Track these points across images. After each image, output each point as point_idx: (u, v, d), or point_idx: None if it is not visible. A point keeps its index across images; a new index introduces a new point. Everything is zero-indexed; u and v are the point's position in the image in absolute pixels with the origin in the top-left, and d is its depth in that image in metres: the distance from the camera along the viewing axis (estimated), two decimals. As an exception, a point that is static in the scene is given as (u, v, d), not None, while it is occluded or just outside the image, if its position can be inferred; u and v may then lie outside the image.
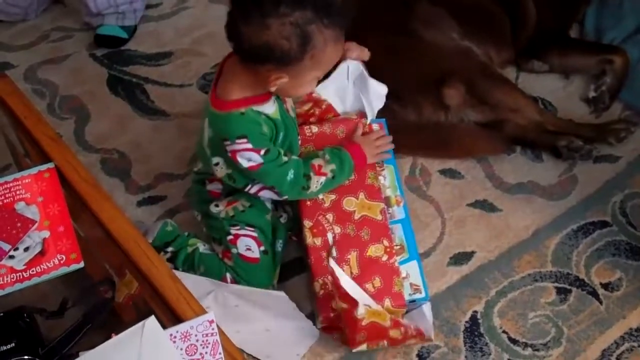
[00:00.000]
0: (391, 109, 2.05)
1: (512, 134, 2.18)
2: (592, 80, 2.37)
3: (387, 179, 1.86)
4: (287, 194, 1.74)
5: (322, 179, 1.74)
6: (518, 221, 2.03)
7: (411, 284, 1.72)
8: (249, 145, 1.62)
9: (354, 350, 1.70)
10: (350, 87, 1.92)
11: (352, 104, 1.96)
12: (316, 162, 1.74)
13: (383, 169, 1.86)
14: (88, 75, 2.48)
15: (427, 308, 1.76)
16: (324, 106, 1.95)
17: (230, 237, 1.81)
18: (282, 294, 1.75)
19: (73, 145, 2.22)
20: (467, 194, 2.09)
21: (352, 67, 1.88)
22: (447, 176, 2.13)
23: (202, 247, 1.86)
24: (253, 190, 1.76)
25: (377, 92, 1.92)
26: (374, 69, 1.91)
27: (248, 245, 1.80)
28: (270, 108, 1.67)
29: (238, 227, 1.81)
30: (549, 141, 2.16)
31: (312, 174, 1.72)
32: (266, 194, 1.77)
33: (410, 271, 1.74)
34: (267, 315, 1.77)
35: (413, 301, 1.72)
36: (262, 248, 1.80)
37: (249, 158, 1.64)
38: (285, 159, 1.69)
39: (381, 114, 1.95)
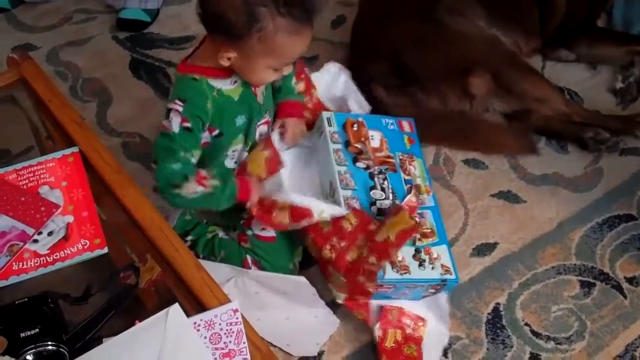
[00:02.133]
0: (416, 98, 2.04)
1: (538, 125, 2.17)
2: (620, 72, 2.35)
3: (417, 170, 1.85)
4: (157, 179, 1.62)
5: (200, 188, 1.61)
6: (542, 213, 2.01)
7: (442, 265, 1.71)
8: (181, 110, 1.61)
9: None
10: (338, 87, 1.98)
11: (339, 102, 1.98)
12: (203, 171, 1.64)
13: (414, 160, 1.86)
14: (110, 58, 2.47)
15: (443, 298, 1.77)
16: (314, 98, 1.96)
17: (243, 220, 1.80)
18: (302, 279, 1.74)
19: (95, 128, 2.22)
20: (491, 185, 2.07)
21: (335, 70, 1.93)
22: (470, 166, 2.11)
23: (221, 233, 1.85)
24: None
25: (359, 101, 1.96)
26: (400, 58, 1.90)
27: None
28: (225, 84, 1.66)
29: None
30: (575, 132, 2.14)
31: (192, 177, 1.61)
32: None
33: (441, 253, 1.73)
34: (288, 302, 1.76)
35: (444, 281, 1.71)
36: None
37: (171, 119, 1.62)
38: (188, 156, 1.62)
39: (406, 101, 1.93)
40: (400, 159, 1.86)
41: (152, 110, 2.29)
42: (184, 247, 1.37)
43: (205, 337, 1.24)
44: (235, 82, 1.68)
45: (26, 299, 1.23)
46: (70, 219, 1.43)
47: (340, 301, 1.74)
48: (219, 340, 1.23)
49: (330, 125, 1.85)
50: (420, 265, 1.70)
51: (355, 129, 1.86)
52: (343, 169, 1.79)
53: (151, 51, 2.49)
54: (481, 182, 2.07)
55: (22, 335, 1.19)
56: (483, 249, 1.93)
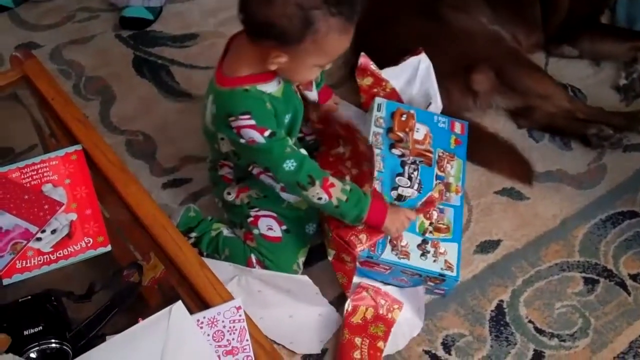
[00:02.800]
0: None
1: (541, 122, 2.16)
2: (623, 68, 2.34)
3: (453, 169, 1.87)
4: (282, 182, 1.68)
5: (325, 196, 1.63)
6: (546, 210, 2.01)
7: (446, 261, 1.73)
8: (253, 122, 1.59)
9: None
10: (417, 80, 1.98)
11: (417, 96, 2.01)
12: (331, 179, 1.65)
13: (453, 160, 1.89)
14: (114, 56, 2.47)
15: (421, 290, 1.78)
16: (387, 89, 1.98)
17: (250, 219, 1.80)
18: (305, 278, 1.74)
19: (98, 126, 2.22)
20: (495, 182, 2.07)
21: (423, 63, 1.95)
22: (474, 163, 2.11)
23: (225, 231, 1.85)
24: (255, 171, 1.77)
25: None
26: (404, 55, 1.90)
27: (269, 225, 1.80)
28: (272, 87, 1.65)
29: (257, 209, 1.81)
30: (579, 129, 2.14)
31: (317, 182, 1.63)
32: (266, 179, 1.77)
33: (449, 250, 1.75)
34: (291, 301, 1.77)
35: (443, 276, 1.71)
36: (284, 227, 1.80)
37: (251, 136, 1.61)
38: (289, 149, 1.63)
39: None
40: (439, 155, 1.88)
41: (156, 108, 2.29)
42: (187, 245, 1.37)
43: (209, 335, 1.24)
44: (279, 82, 1.67)
45: (30, 297, 1.24)
46: (73, 216, 1.43)
47: (330, 258, 1.75)
48: (222, 337, 1.24)
49: (379, 111, 1.92)
50: (423, 255, 1.72)
51: (403, 118, 1.90)
52: (376, 151, 1.83)
53: (154, 49, 2.49)
54: (485, 179, 2.07)
55: (26, 332, 1.19)
56: (486, 246, 1.93)
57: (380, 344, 1.71)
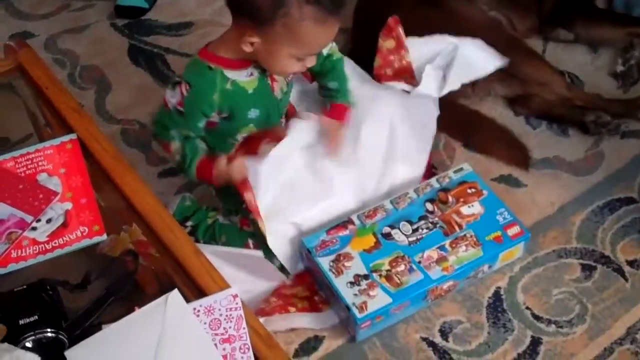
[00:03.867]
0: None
1: (539, 109, 2.16)
2: (620, 54, 2.33)
3: (465, 253, 1.77)
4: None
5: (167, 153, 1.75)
6: (543, 197, 2.00)
7: (365, 302, 1.68)
8: (185, 94, 1.61)
9: None
10: (437, 60, 1.97)
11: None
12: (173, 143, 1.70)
13: (475, 248, 1.78)
14: (109, 45, 2.46)
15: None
16: (404, 60, 1.96)
17: (244, 204, 1.79)
18: (259, 253, 1.75)
19: (93, 115, 2.21)
20: (492, 169, 2.06)
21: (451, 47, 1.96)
22: (471, 150, 2.10)
23: (221, 219, 1.85)
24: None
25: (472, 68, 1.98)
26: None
27: None
28: (242, 76, 1.65)
29: None
30: (576, 116, 2.13)
31: (163, 141, 1.73)
32: None
33: (379, 300, 1.69)
34: (248, 276, 1.77)
35: (348, 309, 1.67)
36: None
37: (170, 98, 1.64)
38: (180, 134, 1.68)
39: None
40: (465, 235, 1.80)
41: (151, 97, 2.28)
42: (182, 233, 1.37)
43: (205, 323, 1.23)
44: (252, 74, 1.66)
45: (25, 287, 1.23)
46: (68, 206, 1.43)
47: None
48: (219, 325, 1.23)
49: (455, 173, 1.92)
50: (352, 284, 1.71)
51: (469, 191, 1.88)
52: (413, 195, 1.87)
53: (149, 38, 2.48)
54: (482, 166, 2.06)
55: (21, 322, 1.18)
56: (484, 233, 1.92)
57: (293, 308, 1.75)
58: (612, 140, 2.12)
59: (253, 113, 1.71)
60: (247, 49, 1.57)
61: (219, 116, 1.68)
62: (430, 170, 2.01)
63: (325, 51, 1.77)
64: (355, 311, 1.66)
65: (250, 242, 1.78)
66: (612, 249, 1.89)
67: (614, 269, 1.85)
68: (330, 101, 1.85)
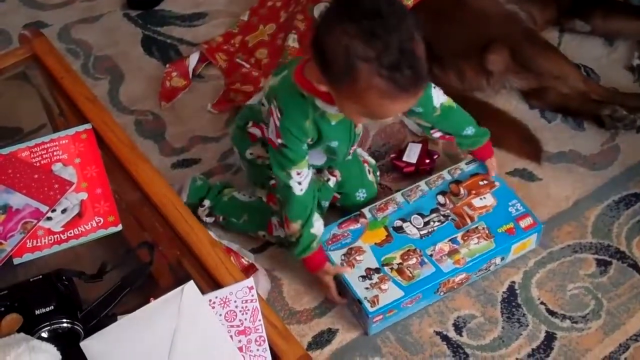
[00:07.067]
0: (433, 74, 2.01)
1: (555, 102, 2.14)
2: (637, 48, 2.31)
3: (477, 245, 1.77)
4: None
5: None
6: (558, 191, 1.99)
7: (377, 297, 1.68)
8: (278, 123, 1.56)
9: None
10: None
11: None
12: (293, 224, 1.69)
13: (486, 240, 1.77)
14: (122, 35, 2.45)
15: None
16: None
17: (273, 181, 1.80)
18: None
19: (107, 106, 2.20)
20: (507, 162, 2.05)
21: None
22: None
23: (238, 195, 1.87)
24: None
25: None
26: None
27: None
28: (332, 109, 1.56)
29: None
30: (592, 110, 2.12)
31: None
32: None
33: (391, 293, 1.69)
34: None
35: (360, 303, 1.67)
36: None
37: (271, 135, 1.60)
38: (292, 169, 1.62)
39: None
40: (477, 228, 1.79)
41: (165, 87, 2.28)
42: (198, 224, 1.37)
43: (221, 315, 1.23)
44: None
45: (41, 276, 1.23)
46: (84, 196, 1.43)
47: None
48: (235, 317, 1.23)
49: (467, 164, 1.92)
50: (364, 277, 1.71)
51: (480, 183, 1.88)
52: (425, 187, 1.87)
53: (163, 28, 2.47)
54: (496, 159, 2.03)
55: (37, 312, 1.18)
56: (498, 228, 1.91)
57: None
58: (628, 135, 2.11)
59: (333, 143, 1.68)
60: (322, 88, 1.48)
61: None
62: (431, 158, 2.01)
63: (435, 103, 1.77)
64: (367, 305, 1.66)
65: (274, 220, 1.80)
66: (628, 244, 1.87)
67: (629, 265, 1.84)
68: (476, 145, 1.89)
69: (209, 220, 1.90)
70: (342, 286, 1.72)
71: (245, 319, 1.23)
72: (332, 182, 1.85)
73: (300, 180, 1.63)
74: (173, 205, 1.38)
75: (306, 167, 1.64)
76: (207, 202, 1.87)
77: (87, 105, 1.57)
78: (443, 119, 1.80)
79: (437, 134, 1.86)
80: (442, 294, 1.76)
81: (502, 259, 1.81)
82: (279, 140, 1.58)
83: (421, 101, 1.61)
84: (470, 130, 1.84)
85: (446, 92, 1.80)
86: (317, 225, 1.70)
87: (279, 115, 1.56)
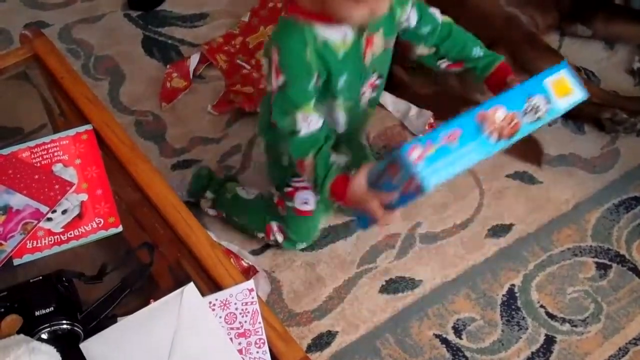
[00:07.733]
0: (435, 76, 2.01)
1: (555, 105, 2.14)
2: (637, 52, 2.32)
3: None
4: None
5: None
6: (558, 194, 1.99)
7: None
8: (276, 58, 1.43)
9: None
10: None
11: None
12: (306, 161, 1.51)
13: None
14: (123, 36, 2.45)
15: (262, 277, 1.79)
16: None
17: (289, 189, 1.79)
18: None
19: (107, 106, 2.19)
20: (507, 165, 2.05)
21: None
22: (485, 146, 2.09)
23: (241, 192, 1.87)
24: None
25: None
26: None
27: (305, 199, 1.78)
28: (337, 35, 1.45)
29: (298, 180, 1.76)
30: (592, 113, 2.12)
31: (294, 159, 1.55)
32: None
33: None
34: None
35: None
36: (320, 197, 1.71)
37: (271, 79, 1.48)
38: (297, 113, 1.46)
39: (425, 79, 1.91)
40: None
41: (165, 88, 2.28)
42: (198, 226, 1.36)
43: (221, 317, 1.23)
44: (346, 33, 1.46)
45: (41, 277, 1.22)
46: (84, 197, 1.42)
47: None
48: (235, 320, 1.22)
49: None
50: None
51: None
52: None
53: (164, 29, 2.47)
54: (496, 162, 2.05)
55: (37, 313, 1.18)
56: (498, 230, 1.91)
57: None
58: (628, 138, 2.11)
59: (341, 80, 1.53)
60: (317, 7, 1.39)
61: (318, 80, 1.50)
62: None
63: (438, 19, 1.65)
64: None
65: (274, 224, 1.81)
66: (628, 248, 1.88)
67: (629, 268, 1.84)
68: (492, 66, 1.66)
69: (212, 212, 1.92)
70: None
71: (245, 322, 1.23)
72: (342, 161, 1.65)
73: (309, 124, 1.48)
74: (173, 206, 1.38)
75: (315, 114, 1.48)
76: (209, 194, 1.87)
77: (88, 105, 1.56)
78: (448, 37, 1.66)
79: (445, 64, 1.70)
80: (493, 139, 1.41)
81: (547, 102, 1.47)
82: (280, 79, 1.44)
83: (426, 19, 1.59)
84: (479, 51, 1.67)
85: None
86: (332, 156, 1.52)
87: (277, 53, 1.43)
